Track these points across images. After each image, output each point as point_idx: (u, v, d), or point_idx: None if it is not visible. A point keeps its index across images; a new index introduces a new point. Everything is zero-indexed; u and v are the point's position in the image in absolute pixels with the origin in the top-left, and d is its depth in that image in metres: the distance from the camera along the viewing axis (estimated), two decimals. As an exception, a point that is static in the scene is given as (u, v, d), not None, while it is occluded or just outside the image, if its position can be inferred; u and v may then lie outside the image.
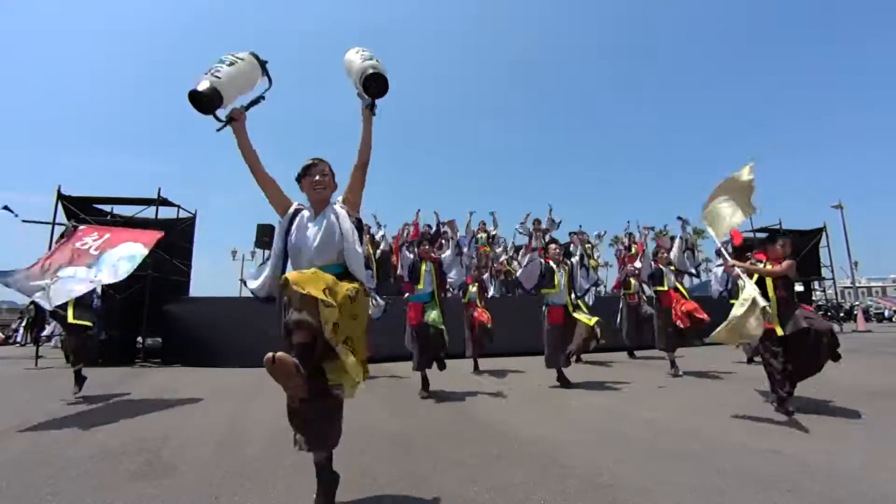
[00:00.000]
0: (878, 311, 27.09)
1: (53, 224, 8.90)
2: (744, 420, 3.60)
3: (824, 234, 14.51)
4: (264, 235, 10.16)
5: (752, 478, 2.36)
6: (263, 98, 2.14)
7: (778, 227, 13.72)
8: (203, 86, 1.90)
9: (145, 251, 4.90)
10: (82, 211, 9.22)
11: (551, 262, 5.40)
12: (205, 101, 1.92)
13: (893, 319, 25.32)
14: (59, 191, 8.99)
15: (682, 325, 5.88)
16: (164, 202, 9.42)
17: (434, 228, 9.00)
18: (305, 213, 2.16)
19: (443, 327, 4.76)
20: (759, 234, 13.83)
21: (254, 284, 2.14)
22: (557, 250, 5.53)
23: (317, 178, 2.14)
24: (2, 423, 3.81)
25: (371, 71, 2.11)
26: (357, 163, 2.20)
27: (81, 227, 5.14)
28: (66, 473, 2.60)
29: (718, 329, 3.66)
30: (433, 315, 4.77)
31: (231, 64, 1.98)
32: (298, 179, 2.19)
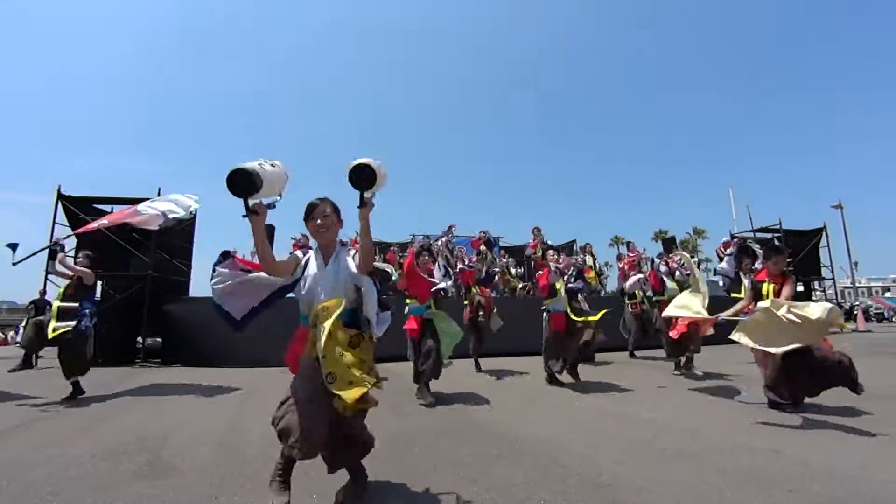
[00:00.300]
0: (878, 312, 27.09)
1: (53, 224, 8.90)
2: (744, 420, 3.60)
3: (824, 234, 14.52)
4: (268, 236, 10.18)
5: (752, 478, 2.36)
6: (274, 206, 2.11)
7: (778, 227, 13.73)
8: (252, 167, 1.90)
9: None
10: (82, 211, 9.23)
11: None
12: (245, 183, 1.89)
13: (893, 320, 25.33)
14: (59, 191, 8.99)
15: (675, 336, 5.88)
16: (164, 202, 9.41)
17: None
18: (312, 257, 2.19)
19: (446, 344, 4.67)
20: (759, 234, 13.85)
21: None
22: (555, 258, 5.67)
23: (318, 221, 2.12)
24: (2, 423, 3.81)
25: (354, 163, 2.02)
26: (359, 265, 2.12)
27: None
28: (66, 473, 2.59)
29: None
30: (434, 327, 4.67)
31: (273, 166, 2.00)
32: (305, 221, 2.18)
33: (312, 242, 2.29)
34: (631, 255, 8.22)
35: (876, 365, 6.49)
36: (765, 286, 3.93)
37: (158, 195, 9.21)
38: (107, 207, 10.05)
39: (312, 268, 2.15)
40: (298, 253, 2.25)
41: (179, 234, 9.86)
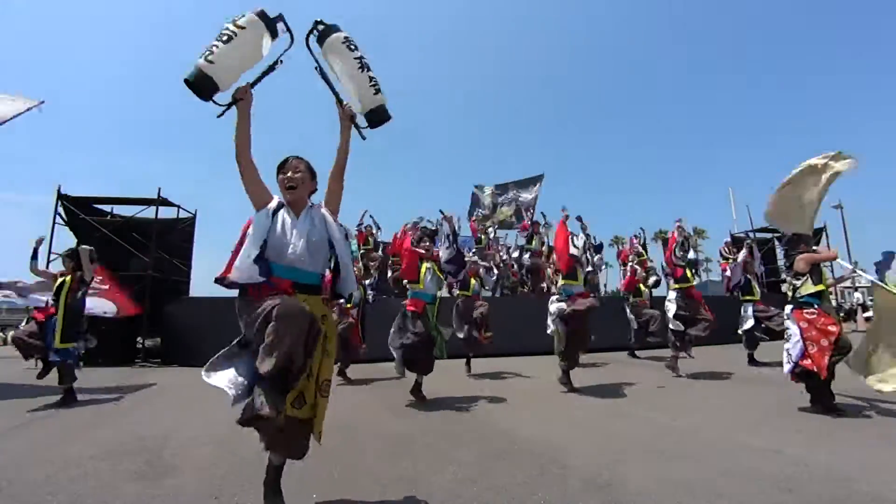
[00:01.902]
0: (878, 312, 27.03)
1: (53, 224, 8.90)
2: (744, 420, 3.60)
3: (824, 234, 14.50)
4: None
5: (752, 478, 2.36)
6: (281, 62, 1.91)
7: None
8: (192, 72, 1.72)
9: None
10: (82, 211, 9.23)
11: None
12: (195, 91, 1.74)
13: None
14: (59, 191, 8.99)
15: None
16: (164, 202, 9.42)
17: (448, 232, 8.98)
18: (284, 211, 2.04)
19: (440, 332, 4.61)
20: (759, 234, 13.85)
21: (237, 275, 1.92)
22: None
23: (288, 174, 2.03)
24: (2, 424, 3.81)
25: (381, 104, 1.99)
26: (334, 169, 2.12)
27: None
28: (65, 473, 2.59)
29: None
30: (434, 322, 4.57)
31: (228, 39, 1.75)
32: (277, 175, 2.09)
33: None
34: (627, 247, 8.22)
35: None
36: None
37: (158, 195, 9.25)
38: (107, 207, 10.07)
39: (282, 217, 2.00)
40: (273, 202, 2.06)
41: (179, 233, 9.87)
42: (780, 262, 12.86)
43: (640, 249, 8.77)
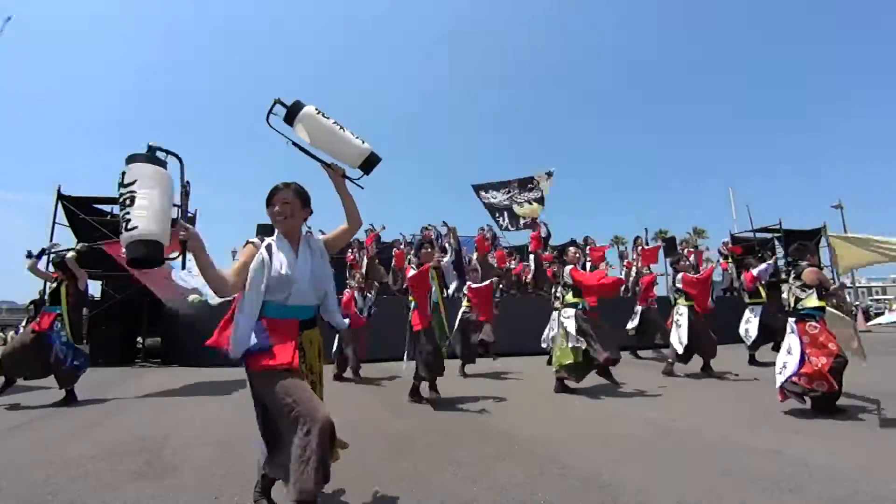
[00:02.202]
0: (879, 312, 27.06)
1: (53, 224, 8.90)
2: (744, 420, 3.60)
3: (824, 234, 14.49)
4: (265, 235, 10.19)
5: (752, 478, 2.36)
6: (189, 183, 1.83)
7: (778, 227, 13.71)
8: (130, 251, 1.62)
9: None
10: (82, 211, 9.23)
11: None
12: (147, 261, 1.66)
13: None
14: (59, 191, 8.99)
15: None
16: (164, 202, 9.41)
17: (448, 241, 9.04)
18: (277, 244, 1.96)
19: (444, 345, 4.48)
20: (759, 234, 13.84)
21: (237, 349, 1.87)
22: (577, 255, 5.33)
23: (276, 208, 1.96)
24: (2, 424, 3.81)
25: (370, 151, 1.99)
26: (347, 228, 2.11)
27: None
28: (66, 473, 2.59)
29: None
30: (438, 319, 4.47)
31: (132, 201, 1.63)
32: (266, 207, 2.02)
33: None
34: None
35: (876, 364, 6.47)
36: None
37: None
38: (107, 207, 10.07)
39: (279, 254, 1.93)
40: (251, 246, 1.96)
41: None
42: (780, 262, 12.86)
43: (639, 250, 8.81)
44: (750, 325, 6.95)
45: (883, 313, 26.86)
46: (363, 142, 2.03)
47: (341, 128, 2.02)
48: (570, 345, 4.80)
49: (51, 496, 2.28)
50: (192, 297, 4.97)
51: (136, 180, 1.65)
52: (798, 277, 4.02)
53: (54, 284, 4.99)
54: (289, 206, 1.96)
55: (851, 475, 2.38)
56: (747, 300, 7.18)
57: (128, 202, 1.63)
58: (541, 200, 11.86)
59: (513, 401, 4.55)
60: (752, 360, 6.86)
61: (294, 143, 2.03)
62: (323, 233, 2.26)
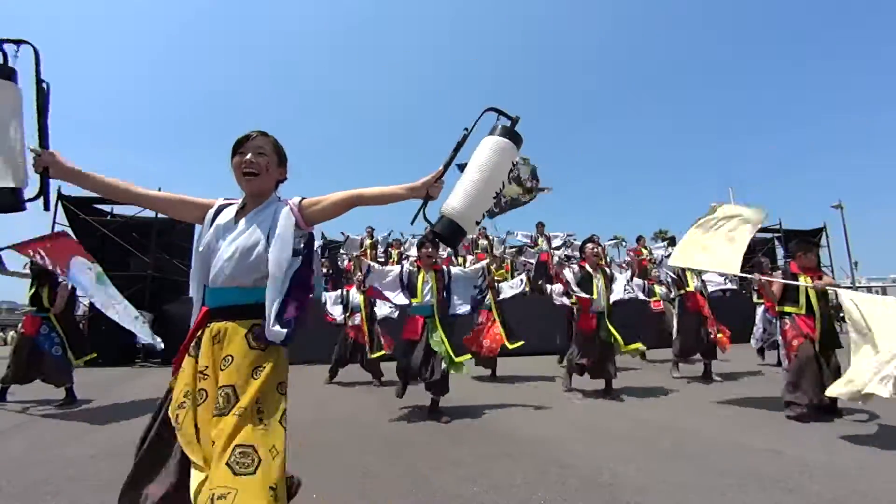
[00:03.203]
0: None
1: (54, 224, 8.90)
2: (744, 420, 3.60)
3: (824, 234, 14.51)
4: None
5: (752, 478, 2.36)
6: (48, 86, 1.42)
7: (778, 226, 13.72)
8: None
9: (97, 266, 4.63)
10: (82, 211, 9.24)
11: (587, 266, 4.89)
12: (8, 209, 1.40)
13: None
14: (59, 191, 8.99)
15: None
16: (164, 202, 9.42)
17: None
18: (230, 211, 1.54)
19: (448, 355, 3.87)
20: (759, 234, 13.84)
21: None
22: (595, 251, 5.01)
23: (248, 156, 1.48)
24: (2, 424, 3.81)
25: (463, 229, 1.56)
26: (353, 194, 1.52)
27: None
28: (65, 473, 2.59)
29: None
30: (435, 338, 3.90)
31: None
32: (231, 159, 1.54)
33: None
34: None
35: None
36: (802, 278, 3.97)
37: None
38: (107, 207, 10.07)
39: (221, 219, 1.51)
40: (213, 200, 1.59)
41: (179, 233, 9.87)
42: (780, 261, 12.88)
43: (641, 249, 8.81)
44: (759, 329, 6.97)
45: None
46: (478, 223, 1.67)
47: (496, 196, 1.68)
48: None
49: (51, 496, 2.28)
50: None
51: None
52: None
53: (34, 287, 4.86)
54: (265, 158, 1.51)
55: (851, 475, 2.38)
56: (755, 300, 7.17)
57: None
58: (518, 180, 11.69)
59: (513, 401, 4.55)
60: (761, 352, 6.92)
61: (466, 135, 1.59)
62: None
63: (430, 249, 4.13)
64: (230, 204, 1.57)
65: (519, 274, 10.09)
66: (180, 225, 9.88)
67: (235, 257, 1.43)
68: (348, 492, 2.29)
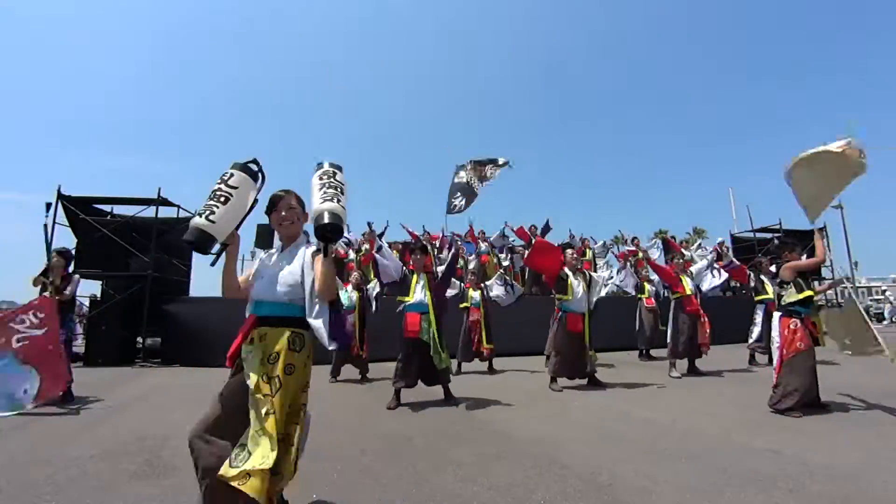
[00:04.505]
0: (878, 312, 27.08)
1: (54, 223, 8.89)
2: (744, 420, 3.60)
3: (824, 233, 14.49)
4: (264, 236, 10.19)
5: (752, 478, 2.36)
6: (257, 201, 2.00)
7: (778, 226, 13.72)
8: (194, 234, 1.79)
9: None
10: (82, 211, 9.23)
11: (566, 269, 5.23)
12: (202, 246, 1.83)
13: (894, 319, 25.34)
14: (59, 191, 8.98)
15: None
16: (164, 202, 9.42)
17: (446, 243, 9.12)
18: (272, 253, 2.06)
19: (439, 350, 4.35)
20: (759, 234, 13.84)
21: None
22: (575, 256, 5.40)
23: (283, 213, 1.99)
24: (2, 423, 3.81)
25: (325, 220, 1.75)
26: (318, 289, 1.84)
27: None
28: (66, 473, 2.59)
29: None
30: (430, 333, 4.36)
31: (226, 200, 1.85)
32: (268, 213, 2.05)
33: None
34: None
35: (876, 364, 6.48)
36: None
37: (158, 195, 9.26)
38: (107, 207, 10.07)
39: (265, 256, 2.05)
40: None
41: (179, 233, 9.84)
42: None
43: (635, 248, 8.81)
44: (756, 326, 6.95)
45: (883, 313, 26.91)
46: (322, 200, 1.83)
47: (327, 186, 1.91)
48: None
49: (51, 496, 2.28)
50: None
51: (237, 188, 1.90)
52: (776, 276, 4.20)
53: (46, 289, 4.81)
54: (293, 211, 2.01)
55: (851, 475, 2.39)
56: (755, 298, 7.17)
57: (222, 199, 1.85)
58: (466, 189, 11.67)
59: (512, 401, 4.55)
60: (753, 360, 6.88)
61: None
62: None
63: (418, 255, 4.61)
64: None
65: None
66: (180, 225, 9.88)
67: (279, 278, 1.90)
68: (348, 492, 2.29)
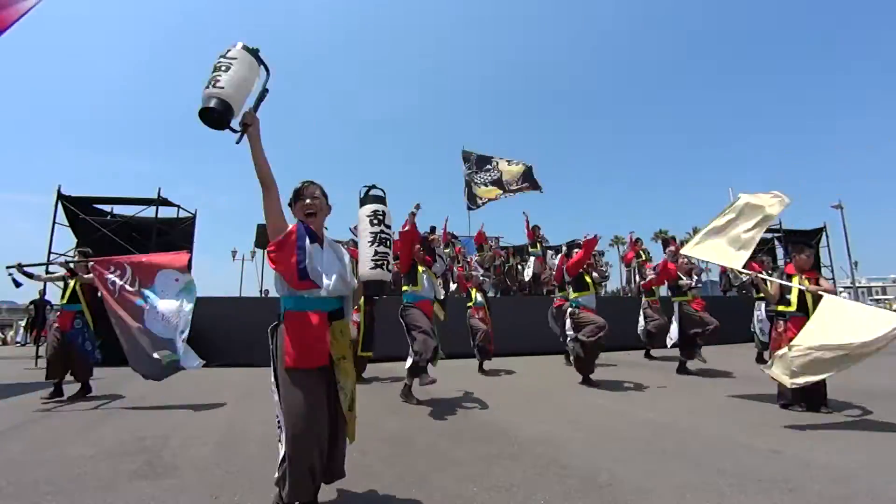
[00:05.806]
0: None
1: (53, 224, 8.89)
2: (744, 420, 3.60)
3: (824, 234, 14.49)
4: (264, 236, 10.18)
5: (752, 478, 2.36)
6: (267, 91, 1.96)
7: (778, 226, 13.71)
8: (211, 102, 1.76)
9: (188, 276, 5.03)
10: (82, 211, 9.23)
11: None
12: (217, 117, 1.79)
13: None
14: (59, 191, 8.98)
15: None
16: (164, 202, 9.42)
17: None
18: (308, 239, 2.00)
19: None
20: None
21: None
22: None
23: (307, 201, 2.01)
24: (2, 423, 3.81)
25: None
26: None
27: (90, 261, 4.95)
28: (66, 473, 2.59)
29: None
30: (437, 318, 4.69)
31: (227, 69, 1.82)
32: (291, 204, 2.05)
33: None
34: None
35: (876, 364, 6.48)
36: (795, 279, 4.04)
37: (158, 195, 9.26)
38: (107, 207, 10.07)
39: (308, 245, 1.93)
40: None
41: (179, 233, 9.86)
42: (780, 262, 12.87)
43: (640, 251, 8.80)
44: (761, 322, 6.94)
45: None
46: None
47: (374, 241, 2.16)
48: None
49: (51, 496, 2.28)
50: (160, 354, 4.46)
51: (237, 58, 1.86)
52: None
53: (71, 282, 5.16)
54: (318, 200, 2.03)
55: (851, 475, 2.38)
56: (755, 295, 7.17)
57: (223, 69, 1.83)
58: (499, 183, 11.61)
59: (513, 400, 4.55)
60: (760, 359, 6.88)
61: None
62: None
63: (422, 252, 4.74)
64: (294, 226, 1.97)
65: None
66: (180, 225, 9.88)
67: (341, 277, 1.97)
68: (348, 492, 2.29)
